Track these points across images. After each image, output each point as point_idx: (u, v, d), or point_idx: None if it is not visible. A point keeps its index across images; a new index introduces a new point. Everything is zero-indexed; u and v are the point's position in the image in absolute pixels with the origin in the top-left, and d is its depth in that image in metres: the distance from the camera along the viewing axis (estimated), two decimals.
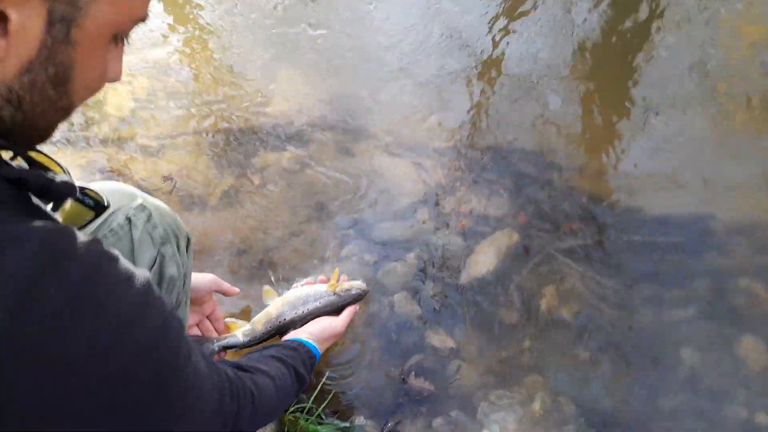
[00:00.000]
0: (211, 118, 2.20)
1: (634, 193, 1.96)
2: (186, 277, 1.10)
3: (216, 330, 1.44)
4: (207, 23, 2.49)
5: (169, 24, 2.48)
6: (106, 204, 0.77)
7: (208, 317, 1.44)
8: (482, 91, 2.31)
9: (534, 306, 1.75)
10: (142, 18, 0.63)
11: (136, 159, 2.04)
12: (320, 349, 1.29)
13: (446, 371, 1.61)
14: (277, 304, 1.45)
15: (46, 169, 0.61)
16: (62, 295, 0.51)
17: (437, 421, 1.49)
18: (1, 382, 0.49)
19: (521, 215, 1.93)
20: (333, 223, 1.92)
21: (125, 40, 0.65)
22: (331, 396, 1.50)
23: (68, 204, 0.74)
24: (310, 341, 1.27)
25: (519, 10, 2.50)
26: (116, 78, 0.66)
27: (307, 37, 2.44)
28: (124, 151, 2.06)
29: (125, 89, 2.28)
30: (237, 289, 1.46)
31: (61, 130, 2.05)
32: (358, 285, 1.49)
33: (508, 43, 2.41)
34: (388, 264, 1.83)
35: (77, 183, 0.67)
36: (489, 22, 2.47)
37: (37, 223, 0.54)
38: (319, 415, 1.44)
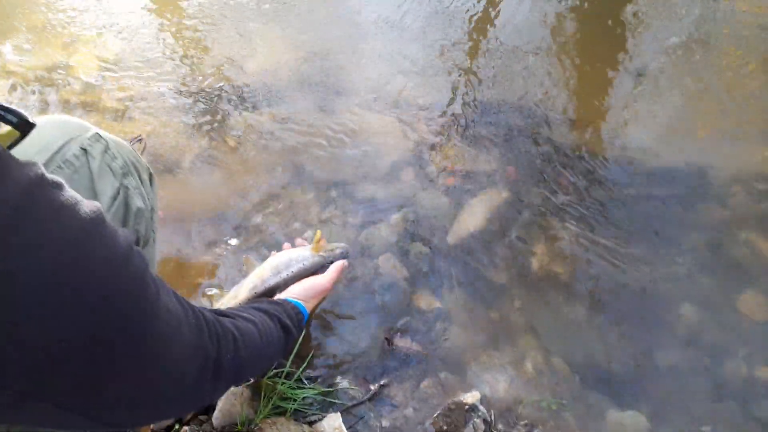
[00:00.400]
0: (184, 79, 2.09)
1: (627, 145, 1.88)
2: (153, 211, 1.01)
3: None
4: None
5: None
6: (31, 121, 0.67)
7: None
8: (469, 46, 2.21)
9: (525, 265, 1.67)
10: None
11: (103, 123, 1.93)
12: (307, 307, 1.20)
13: (434, 333, 1.53)
14: (258, 272, 1.36)
15: None
16: None
17: (425, 383, 1.42)
18: None
19: (511, 171, 1.84)
20: (313, 185, 1.83)
21: None
22: (309, 358, 1.41)
23: None
24: (295, 299, 1.19)
25: None
26: None
27: None
28: (91, 114, 1.94)
29: (93, 51, 2.16)
30: None
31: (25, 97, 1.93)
32: (342, 246, 1.41)
33: None
34: (372, 225, 1.74)
35: None
36: None
37: None
38: (299, 379, 1.36)
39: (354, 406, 1.35)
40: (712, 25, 2.23)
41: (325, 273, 1.33)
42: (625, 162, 1.84)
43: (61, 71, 2.07)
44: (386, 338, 1.49)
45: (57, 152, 0.88)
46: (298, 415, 1.30)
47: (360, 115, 2.00)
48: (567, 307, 1.59)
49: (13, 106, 0.67)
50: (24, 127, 0.67)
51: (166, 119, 1.96)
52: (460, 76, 2.13)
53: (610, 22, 2.27)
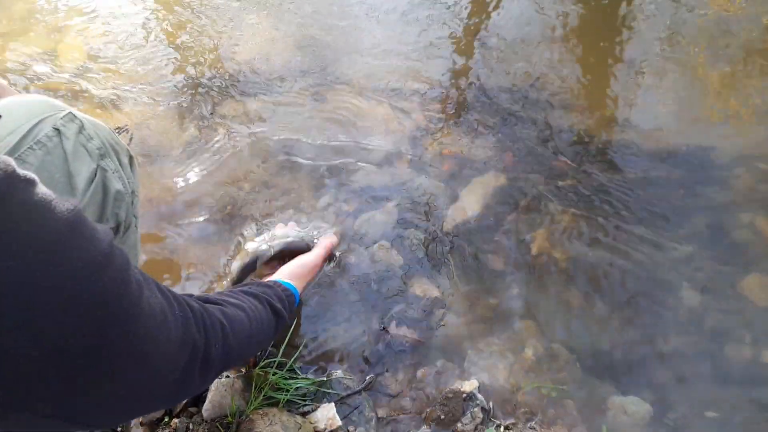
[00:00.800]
0: (173, 66, 2.05)
1: (627, 128, 1.83)
2: (134, 195, 0.98)
3: None
4: None
5: None
6: None
7: None
8: (464, 30, 2.16)
9: (524, 250, 1.63)
10: None
11: (90, 111, 1.89)
12: (297, 286, 1.18)
13: (431, 320, 1.49)
14: (245, 249, 1.35)
15: None
16: None
17: (421, 372, 1.38)
18: None
19: (508, 156, 1.80)
20: (307, 173, 1.79)
21: None
22: (302, 347, 1.38)
23: None
24: (285, 280, 1.16)
25: None
26: None
27: None
28: (77, 103, 1.90)
29: (80, 37, 2.11)
30: None
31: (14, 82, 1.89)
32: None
33: None
34: (367, 212, 1.70)
35: None
36: None
37: None
38: (292, 368, 1.32)
39: (348, 396, 1.32)
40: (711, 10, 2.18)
41: (313, 249, 1.33)
42: (626, 145, 1.80)
43: (47, 59, 2.03)
44: (382, 326, 1.45)
45: (28, 133, 0.83)
46: (291, 406, 1.27)
47: (354, 101, 1.95)
48: (567, 292, 1.56)
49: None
50: None
51: (154, 108, 1.91)
52: (455, 62, 2.08)
53: (609, 6, 2.22)
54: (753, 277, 1.56)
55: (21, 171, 0.48)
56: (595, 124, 1.87)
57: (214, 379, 1.22)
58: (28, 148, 0.83)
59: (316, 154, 1.83)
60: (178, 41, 2.13)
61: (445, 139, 1.85)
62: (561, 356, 1.45)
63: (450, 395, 1.31)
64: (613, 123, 1.85)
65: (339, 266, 1.57)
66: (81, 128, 0.88)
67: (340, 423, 1.24)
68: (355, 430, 1.27)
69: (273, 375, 1.26)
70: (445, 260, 1.61)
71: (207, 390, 1.24)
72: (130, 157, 0.99)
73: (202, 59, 2.07)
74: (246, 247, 1.35)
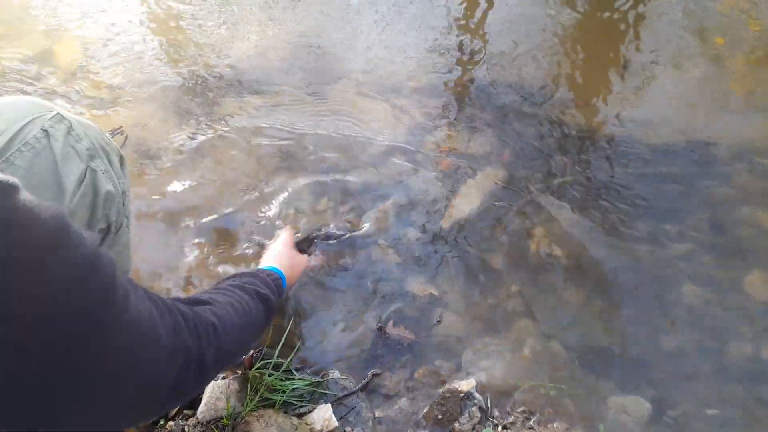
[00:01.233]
0: (168, 66, 2.04)
1: (627, 124, 1.81)
2: (125, 195, 0.97)
3: None
4: None
5: None
6: None
7: None
8: (462, 29, 2.14)
9: (522, 248, 1.62)
10: None
11: (85, 113, 1.88)
12: (283, 269, 1.18)
13: (428, 319, 1.48)
14: None
15: None
16: None
17: (419, 371, 1.37)
18: None
19: (506, 153, 1.78)
20: (305, 171, 1.77)
21: None
22: (298, 348, 1.37)
23: None
24: (269, 264, 1.18)
25: None
26: None
27: None
28: (73, 104, 1.89)
29: (76, 38, 2.10)
30: None
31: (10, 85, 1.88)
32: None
33: None
34: (365, 210, 1.69)
35: None
36: None
37: None
38: (288, 369, 1.31)
39: (345, 396, 1.31)
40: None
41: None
42: (626, 141, 1.78)
43: (43, 59, 2.02)
44: (378, 326, 1.44)
45: (17, 134, 0.82)
46: (287, 407, 1.26)
47: (352, 99, 1.94)
48: (566, 290, 1.54)
49: None
50: None
51: (150, 107, 1.91)
52: (453, 58, 2.07)
53: (608, 2, 2.20)
54: (755, 273, 1.55)
55: (2, 176, 0.46)
56: (595, 120, 1.85)
57: (210, 382, 1.21)
58: (17, 150, 0.82)
59: (315, 151, 1.82)
60: (175, 41, 2.12)
61: (444, 137, 1.83)
62: (559, 354, 1.43)
63: (447, 395, 1.30)
64: (613, 119, 1.83)
65: (336, 265, 1.56)
66: (70, 129, 0.87)
67: (336, 424, 1.23)
68: (352, 430, 1.26)
69: (269, 376, 1.25)
70: (443, 258, 1.60)
71: (202, 392, 1.23)
72: (121, 157, 0.98)
73: (197, 58, 2.06)
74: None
